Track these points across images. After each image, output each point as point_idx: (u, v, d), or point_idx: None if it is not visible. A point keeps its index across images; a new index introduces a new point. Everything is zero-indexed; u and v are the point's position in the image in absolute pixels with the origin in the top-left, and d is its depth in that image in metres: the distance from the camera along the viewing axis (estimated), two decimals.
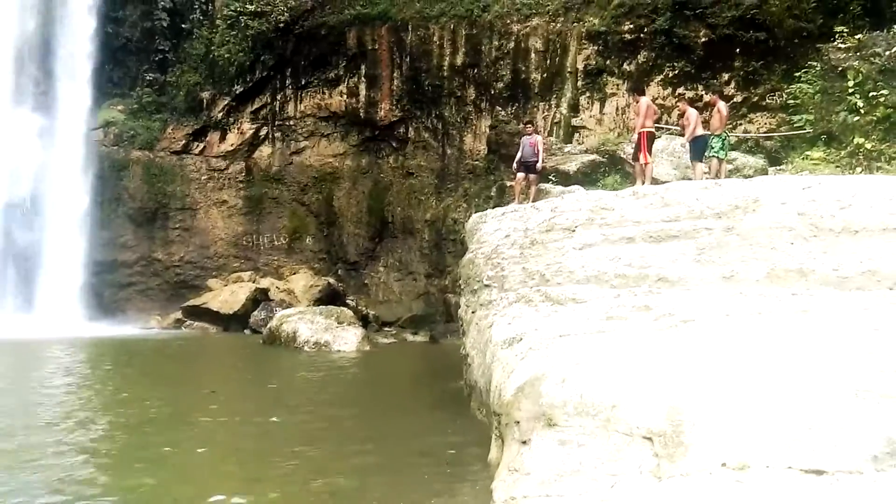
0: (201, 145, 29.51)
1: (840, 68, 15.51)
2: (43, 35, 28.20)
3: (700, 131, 13.23)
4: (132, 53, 30.11)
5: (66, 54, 28.27)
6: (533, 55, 25.24)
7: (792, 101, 17.99)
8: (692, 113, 13.44)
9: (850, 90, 14.65)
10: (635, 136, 13.32)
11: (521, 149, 14.66)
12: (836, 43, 16.21)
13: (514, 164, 14.74)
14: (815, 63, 17.18)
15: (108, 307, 27.34)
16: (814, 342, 4.82)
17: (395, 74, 27.80)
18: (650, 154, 12.96)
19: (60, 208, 26.82)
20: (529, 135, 14.85)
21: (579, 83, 24.39)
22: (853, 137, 14.18)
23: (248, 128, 29.48)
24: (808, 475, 3.47)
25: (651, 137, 13.04)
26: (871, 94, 14.26)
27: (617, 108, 23.69)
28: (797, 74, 17.80)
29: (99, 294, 27.34)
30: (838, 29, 16.48)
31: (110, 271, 28.04)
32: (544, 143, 15.86)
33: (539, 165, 14.56)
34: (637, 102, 13.80)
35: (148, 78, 29.93)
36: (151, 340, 21.89)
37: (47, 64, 28.14)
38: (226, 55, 28.71)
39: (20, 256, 26.10)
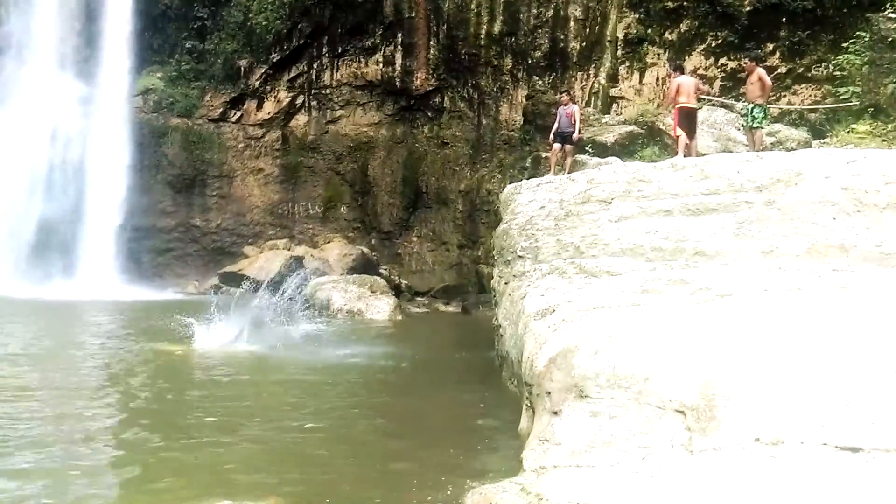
0: (238, 113, 29.68)
1: (890, 39, 15.01)
2: (84, 2, 28.45)
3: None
4: (171, 20, 30.21)
5: (107, 22, 28.49)
6: (572, 23, 24.82)
7: (838, 73, 17.48)
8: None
9: None
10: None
11: (557, 119, 14.51)
12: (886, 12, 15.67)
13: (551, 135, 14.60)
14: (863, 33, 16.63)
15: (147, 272, 27.83)
16: (853, 319, 4.73)
17: (431, 43, 27.57)
18: (687, 130, 12.63)
19: (101, 174, 27.24)
20: (566, 105, 14.68)
21: (619, 52, 23.97)
22: None
23: (284, 96, 29.56)
24: (843, 452, 3.43)
25: (685, 113, 12.66)
26: None
27: (657, 79, 23.26)
28: (844, 45, 17.25)
29: (137, 259, 27.83)
30: None
31: (149, 237, 28.50)
32: (581, 114, 15.66)
33: (576, 136, 14.41)
34: (671, 79, 13.50)
35: (187, 45, 30.07)
36: (192, 304, 22.25)
37: (89, 31, 28.41)
38: (263, 22, 28.72)
39: (62, 221, 26.61)
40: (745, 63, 13.71)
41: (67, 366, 10.24)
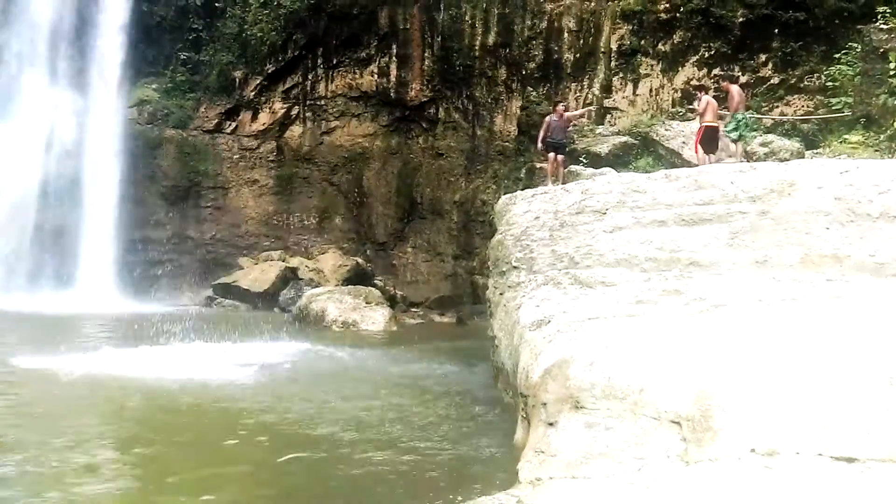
0: (233, 124, 29.66)
1: (882, 50, 15.15)
2: (78, 13, 28.45)
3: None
4: (166, 32, 30.23)
5: (101, 33, 28.47)
6: (566, 35, 24.94)
7: (831, 84, 17.60)
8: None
9: (892, 72, 14.31)
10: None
11: (548, 130, 14.55)
12: (877, 24, 15.81)
13: (539, 144, 14.69)
14: (855, 44, 16.76)
15: (141, 284, 27.69)
16: (848, 329, 4.74)
17: (426, 54, 27.65)
18: (707, 146, 13.31)
19: (95, 186, 27.17)
20: (561, 115, 14.78)
21: (612, 64, 24.07)
22: (893, 121, 13.87)
23: (279, 107, 29.55)
24: (838, 462, 3.43)
25: (707, 131, 13.35)
26: None
27: (650, 90, 23.36)
28: (837, 56, 17.39)
29: (132, 271, 27.69)
30: (880, 9, 16.07)
31: (143, 249, 28.37)
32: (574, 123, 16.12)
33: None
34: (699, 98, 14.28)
35: (181, 57, 30.07)
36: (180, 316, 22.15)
37: (82, 42, 28.38)
38: (258, 34, 28.76)
39: (58, 234, 26.50)
40: (724, 84, 14.88)
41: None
